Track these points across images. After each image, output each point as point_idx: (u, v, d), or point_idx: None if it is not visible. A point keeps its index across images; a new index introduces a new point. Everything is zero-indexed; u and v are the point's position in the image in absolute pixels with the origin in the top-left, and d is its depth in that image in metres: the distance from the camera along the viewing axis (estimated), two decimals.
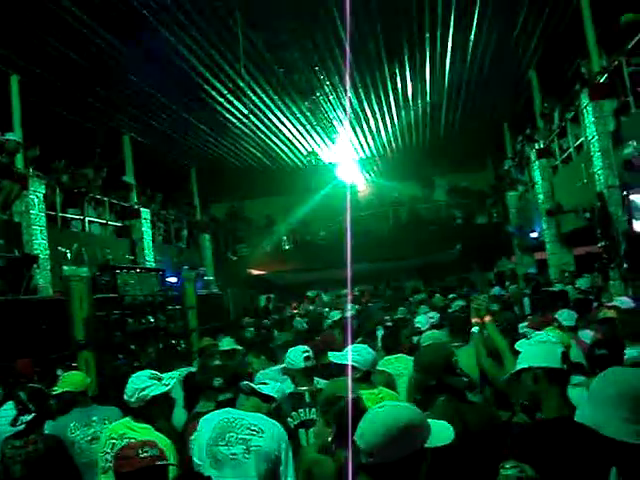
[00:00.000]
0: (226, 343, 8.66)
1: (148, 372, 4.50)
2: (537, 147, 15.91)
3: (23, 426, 4.57)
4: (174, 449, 4.14)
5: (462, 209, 24.00)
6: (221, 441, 3.91)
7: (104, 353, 10.59)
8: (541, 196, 15.52)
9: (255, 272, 23.33)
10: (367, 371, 4.84)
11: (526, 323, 7.21)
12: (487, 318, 5.13)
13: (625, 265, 10.44)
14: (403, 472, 2.27)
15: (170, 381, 4.51)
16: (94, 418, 5.15)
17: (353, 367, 4.71)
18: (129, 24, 11.02)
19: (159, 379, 4.43)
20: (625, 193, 10.37)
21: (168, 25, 11.19)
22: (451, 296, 14.51)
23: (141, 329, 12.22)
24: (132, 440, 3.93)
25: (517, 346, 4.36)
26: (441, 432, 2.46)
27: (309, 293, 19.50)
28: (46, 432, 4.77)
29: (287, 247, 24.66)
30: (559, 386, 3.32)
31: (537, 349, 3.54)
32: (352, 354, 4.85)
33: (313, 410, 4.70)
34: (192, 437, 4.33)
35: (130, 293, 12.29)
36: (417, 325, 8.89)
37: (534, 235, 16.95)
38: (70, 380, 5.59)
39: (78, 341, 10.00)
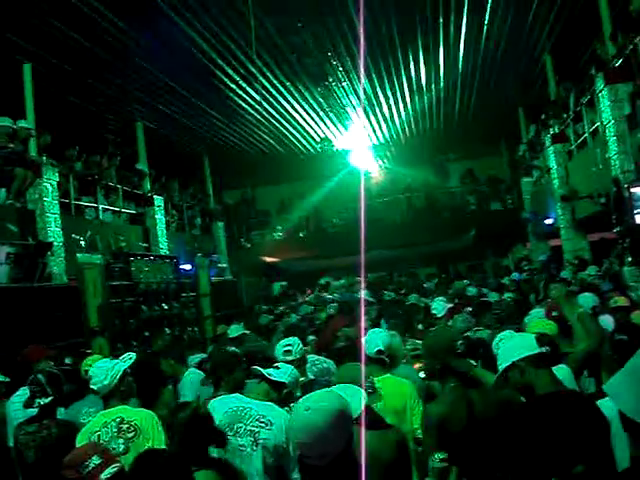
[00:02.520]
0: (235, 330, 8.69)
1: (104, 359, 4.65)
2: (552, 132, 15.78)
3: (36, 411, 4.58)
4: (158, 419, 4.17)
5: (476, 195, 23.89)
6: (230, 431, 3.90)
7: (118, 340, 10.64)
8: (556, 182, 15.38)
9: (268, 259, 23.32)
10: (378, 356, 4.79)
11: (540, 309, 7.14)
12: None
13: (629, 259, 10.42)
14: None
15: (130, 356, 4.59)
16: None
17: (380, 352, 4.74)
18: (141, 10, 10.98)
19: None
20: (626, 185, 10.33)
21: (179, 10, 11.11)
22: (465, 282, 14.50)
23: (155, 316, 12.27)
24: (112, 427, 3.98)
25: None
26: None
27: (321, 281, 19.49)
28: (59, 417, 4.78)
29: (301, 234, 24.65)
30: (545, 368, 3.39)
31: (512, 343, 3.58)
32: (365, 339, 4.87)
33: None
34: None
35: (144, 280, 12.33)
36: (433, 312, 8.84)
37: (549, 221, 16.83)
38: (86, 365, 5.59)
39: (92, 328, 10.05)
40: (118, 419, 4.07)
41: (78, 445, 3.88)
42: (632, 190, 10.13)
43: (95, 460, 3.01)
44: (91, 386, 4.36)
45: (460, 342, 4.13)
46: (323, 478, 2.24)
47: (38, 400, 4.63)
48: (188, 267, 16.25)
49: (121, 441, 4.00)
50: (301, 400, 2.41)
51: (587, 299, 6.89)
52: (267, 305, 15.73)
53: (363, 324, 7.33)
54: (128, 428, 4.04)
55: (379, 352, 4.72)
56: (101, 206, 13.80)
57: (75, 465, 3.02)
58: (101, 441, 3.93)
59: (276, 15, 11.84)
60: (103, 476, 2.96)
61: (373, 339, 4.85)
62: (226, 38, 12.48)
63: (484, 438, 3.31)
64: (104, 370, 4.38)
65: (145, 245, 15.26)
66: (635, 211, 9.98)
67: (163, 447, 3.90)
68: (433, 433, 3.61)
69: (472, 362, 4.33)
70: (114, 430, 4.03)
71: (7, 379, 6.11)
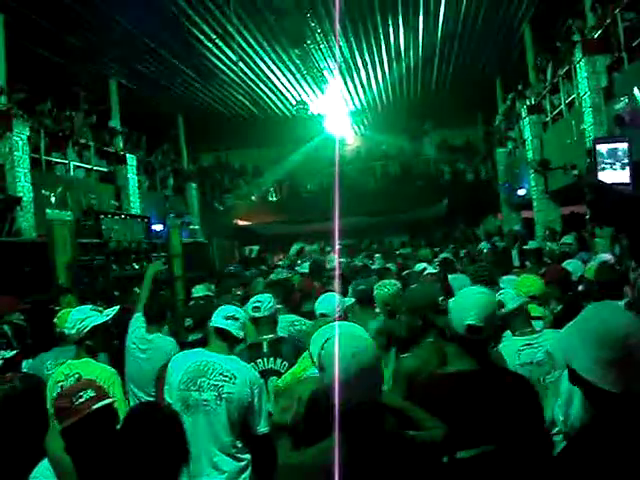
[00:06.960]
0: (199, 290, 8.66)
1: (89, 306, 4.65)
2: (528, 103, 15.79)
3: (1, 362, 4.52)
4: (118, 378, 4.27)
5: (451, 164, 23.89)
6: (193, 386, 3.86)
7: (87, 298, 10.55)
8: (530, 153, 15.43)
9: (241, 222, 23.23)
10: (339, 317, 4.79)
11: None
12: None
13: (588, 215, 10.46)
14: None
15: (111, 312, 4.59)
16: (71, 355, 5.06)
17: (323, 315, 4.74)
18: None
19: (100, 312, 4.56)
20: (592, 144, 10.32)
21: None
22: (437, 250, 14.61)
23: (125, 275, 12.17)
24: (71, 382, 3.97)
25: None
26: None
27: (295, 246, 19.45)
28: (24, 370, 4.72)
29: (274, 199, 24.55)
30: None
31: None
32: (322, 303, 4.90)
33: (272, 359, 4.63)
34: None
35: (114, 239, 12.21)
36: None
37: (521, 192, 16.90)
38: (62, 318, 5.52)
39: (60, 285, 9.94)
40: (77, 375, 4.06)
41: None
42: (597, 147, 10.04)
43: (90, 393, 3.04)
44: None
45: (442, 299, 4.12)
46: (365, 424, 2.27)
47: (3, 352, 4.56)
48: (160, 227, 16.14)
49: None
50: (337, 343, 2.32)
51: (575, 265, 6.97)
52: (237, 268, 15.63)
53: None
54: None
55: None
56: (72, 163, 13.62)
57: (69, 395, 3.05)
58: None
59: None
60: (94, 407, 2.99)
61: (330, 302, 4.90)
62: None
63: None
64: (75, 319, 4.43)
65: (116, 204, 15.10)
66: (599, 167, 9.92)
67: (122, 406, 3.93)
68: (402, 386, 3.62)
69: None
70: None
71: None
